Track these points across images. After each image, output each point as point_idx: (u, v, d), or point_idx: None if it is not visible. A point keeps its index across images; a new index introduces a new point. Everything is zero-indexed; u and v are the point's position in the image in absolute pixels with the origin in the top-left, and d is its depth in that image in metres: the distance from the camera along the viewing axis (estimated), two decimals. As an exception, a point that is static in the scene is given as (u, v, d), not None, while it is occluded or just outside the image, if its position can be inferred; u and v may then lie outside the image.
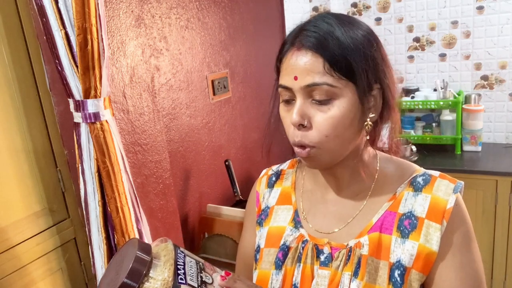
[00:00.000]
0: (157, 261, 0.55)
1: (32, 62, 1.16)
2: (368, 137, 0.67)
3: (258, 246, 0.78)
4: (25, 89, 1.15)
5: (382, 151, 0.73)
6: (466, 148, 2.39)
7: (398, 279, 0.63)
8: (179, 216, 1.63)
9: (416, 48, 2.57)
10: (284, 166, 0.85)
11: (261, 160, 2.28)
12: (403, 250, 0.64)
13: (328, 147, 0.63)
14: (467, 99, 2.42)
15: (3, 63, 1.10)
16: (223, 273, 0.59)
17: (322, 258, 0.68)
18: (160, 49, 1.64)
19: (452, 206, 0.64)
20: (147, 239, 1.29)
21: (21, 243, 1.14)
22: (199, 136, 1.86)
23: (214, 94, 1.95)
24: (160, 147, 1.49)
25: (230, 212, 1.78)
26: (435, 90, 2.50)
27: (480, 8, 2.35)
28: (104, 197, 1.17)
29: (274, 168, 0.85)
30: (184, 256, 0.57)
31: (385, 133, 0.69)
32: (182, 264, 0.55)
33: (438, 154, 2.41)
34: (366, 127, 0.64)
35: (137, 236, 1.23)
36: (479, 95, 2.44)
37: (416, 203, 0.66)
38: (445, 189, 0.66)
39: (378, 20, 2.62)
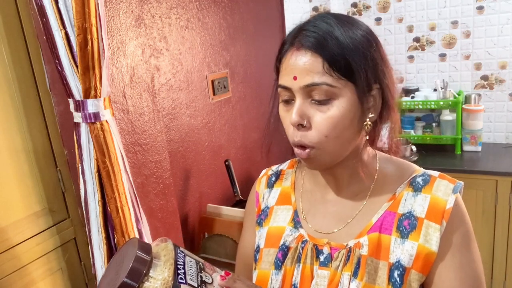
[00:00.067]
0: (157, 260, 0.55)
1: (32, 62, 1.16)
2: (367, 137, 0.67)
3: (258, 246, 0.78)
4: (25, 89, 1.15)
5: (382, 151, 0.73)
6: (466, 148, 2.39)
7: (398, 279, 0.63)
8: (179, 216, 1.63)
9: (416, 48, 2.57)
10: (284, 166, 0.85)
11: (261, 160, 2.28)
12: (402, 250, 0.64)
13: (328, 148, 0.63)
14: (467, 99, 2.42)
15: (3, 63, 1.10)
16: (223, 273, 0.59)
17: (322, 258, 0.68)
18: (160, 49, 1.64)
19: (452, 206, 0.64)
20: (147, 239, 1.29)
21: (21, 243, 1.14)
22: (199, 136, 1.86)
23: (214, 94, 1.95)
24: (160, 147, 1.50)
25: (230, 212, 1.78)
26: (435, 90, 2.50)
27: (480, 8, 2.35)
28: (104, 197, 1.17)
29: (274, 168, 0.85)
30: (184, 256, 0.57)
31: (384, 133, 0.69)
32: (182, 264, 0.55)
33: (438, 154, 2.41)
34: (366, 127, 0.64)
35: (137, 236, 1.23)
36: (479, 95, 2.44)
37: (415, 203, 0.66)
38: (444, 189, 0.66)
39: (378, 20, 2.62)
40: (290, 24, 2.59)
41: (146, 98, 1.42)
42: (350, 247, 0.66)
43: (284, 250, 0.72)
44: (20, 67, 1.14)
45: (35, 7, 1.04)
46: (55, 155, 1.23)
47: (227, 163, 1.93)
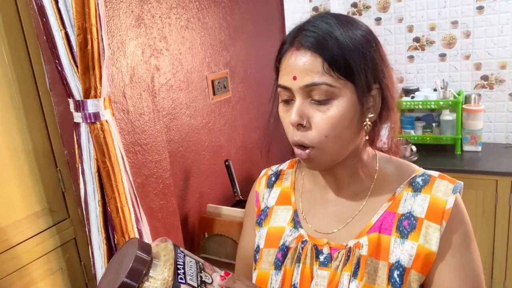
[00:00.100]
0: (157, 261, 0.55)
1: (32, 62, 1.16)
2: (367, 137, 0.67)
3: (258, 246, 0.78)
4: (25, 89, 1.15)
5: (382, 151, 0.73)
6: (466, 148, 2.39)
7: (398, 279, 0.63)
8: (179, 216, 1.63)
9: (416, 48, 2.57)
10: (284, 166, 0.85)
11: (261, 160, 2.28)
12: (402, 251, 0.64)
13: (328, 148, 0.63)
14: (467, 99, 2.42)
15: (3, 63, 1.10)
16: (222, 273, 0.60)
17: (322, 258, 0.68)
18: (160, 49, 1.64)
19: (451, 206, 0.64)
20: (147, 239, 1.29)
21: (21, 243, 1.14)
22: (199, 136, 1.86)
23: (214, 94, 1.95)
24: (160, 147, 1.50)
25: (230, 212, 1.78)
26: (435, 90, 2.50)
27: (480, 8, 2.35)
28: (104, 197, 1.17)
29: (274, 168, 0.85)
30: (184, 256, 0.57)
31: (384, 133, 0.69)
32: (182, 264, 0.55)
33: (438, 154, 2.41)
34: (365, 127, 0.64)
35: (137, 236, 1.23)
36: (479, 95, 2.44)
37: (415, 204, 0.66)
38: (444, 190, 0.66)
39: (378, 20, 2.62)
40: (290, 24, 2.59)
41: (146, 98, 1.42)
42: (350, 247, 0.66)
43: (284, 250, 0.72)
44: (20, 67, 1.14)
45: (35, 7, 1.04)
46: (55, 155, 1.24)
47: (227, 163, 1.93)
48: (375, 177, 0.70)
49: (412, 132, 2.55)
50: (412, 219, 0.65)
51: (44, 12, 1.02)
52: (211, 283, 0.57)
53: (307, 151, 0.63)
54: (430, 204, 0.65)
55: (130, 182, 1.24)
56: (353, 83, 0.61)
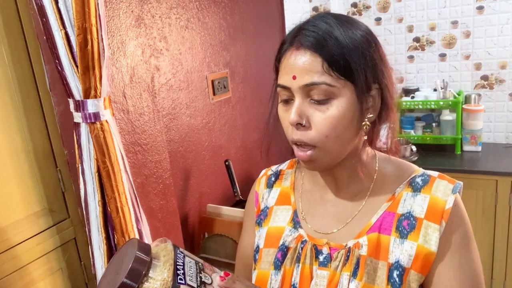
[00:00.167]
0: (157, 261, 0.55)
1: (32, 62, 1.17)
2: (366, 137, 0.67)
3: (257, 246, 0.78)
4: (25, 89, 1.15)
5: (381, 151, 0.73)
6: (466, 148, 2.39)
7: (397, 279, 0.63)
8: (179, 216, 1.63)
9: (416, 48, 2.57)
10: (283, 166, 0.85)
11: (261, 160, 2.28)
12: (401, 251, 0.64)
13: (328, 148, 0.63)
14: (467, 99, 2.42)
15: (3, 63, 1.10)
16: (222, 273, 0.60)
17: (321, 258, 0.68)
18: (160, 49, 1.64)
19: (451, 206, 0.64)
20: (147, 239, 1.29)
21: (21, 243, 1.14)
22: (199, 136, 1.86)
23: (214, 94, 1.95)
24: (160, 147, 1.50)
25: (230, 212, 1.78)
26: (435, 90, 2.50)
27: (480, 8, 2.35)
28: (104, 197, 1.17)
29: (274, 168, 0.85)
30: (184, 256, 0.57)
31: (384, 133, 0.69)
32: (182, 264, 0.55)
33: (438, 154, 2.41)
34: (364, 127, 0.64)
35: (137, 236, 1.23)
36: (479, 95, 2.44)
37: (415, 204, 0.66)
38: (444, 190, 0.66)
39: (378, 20, 2.62)
40: (290, 24, 2.59)
41: (146, 98, 1.43)
42: (350, 247, 0.66)
43: (284, 250, 0.72)
44: (20, 67, 1.14)
45: (35, 7, 1.04)
46: (55, 155, 1.24)
47: (227, 163, 1.93)
48: (375, 177, 0.70)
49: (412, 132, 2.55)
50: (411, 219, 0.65)
51: (44, 12, 1.02)
52: (210, 284, 0.57)
53: (308, 152, 0.63)
54: (430, 204, 0.65)
55: (130, 182, 1.24)
56: (352, 83, 0.61)
